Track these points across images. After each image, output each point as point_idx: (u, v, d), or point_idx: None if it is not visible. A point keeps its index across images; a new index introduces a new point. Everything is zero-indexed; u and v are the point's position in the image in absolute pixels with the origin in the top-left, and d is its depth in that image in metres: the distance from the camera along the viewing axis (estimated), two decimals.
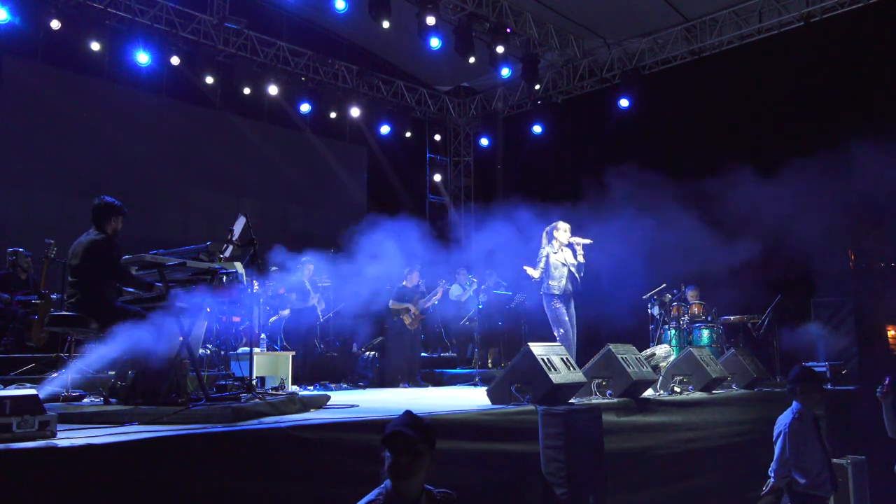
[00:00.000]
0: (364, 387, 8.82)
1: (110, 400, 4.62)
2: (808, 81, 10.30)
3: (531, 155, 14.24)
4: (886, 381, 5.39)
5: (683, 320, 9.69)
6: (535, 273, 7.42)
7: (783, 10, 11.38)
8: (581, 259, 7.44)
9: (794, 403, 5.17)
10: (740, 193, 8.51)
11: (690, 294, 9.96)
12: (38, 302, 7.14)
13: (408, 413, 2.88)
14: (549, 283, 7.39)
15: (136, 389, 4.53)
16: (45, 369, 6.27)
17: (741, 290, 9.41)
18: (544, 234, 7.59)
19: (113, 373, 4.96)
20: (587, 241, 7.46)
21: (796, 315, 9.65)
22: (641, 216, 8.64)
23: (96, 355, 4.83)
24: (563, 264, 7.42)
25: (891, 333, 9.38)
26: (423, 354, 10.14)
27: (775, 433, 5.10)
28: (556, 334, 7.36)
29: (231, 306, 6.48)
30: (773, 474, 5.04)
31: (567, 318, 7.37)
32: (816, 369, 6.52)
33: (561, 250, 7.47)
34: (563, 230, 7.51)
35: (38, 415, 3.06)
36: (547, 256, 7.43)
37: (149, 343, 4.41)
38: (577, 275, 7.45)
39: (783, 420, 5.09)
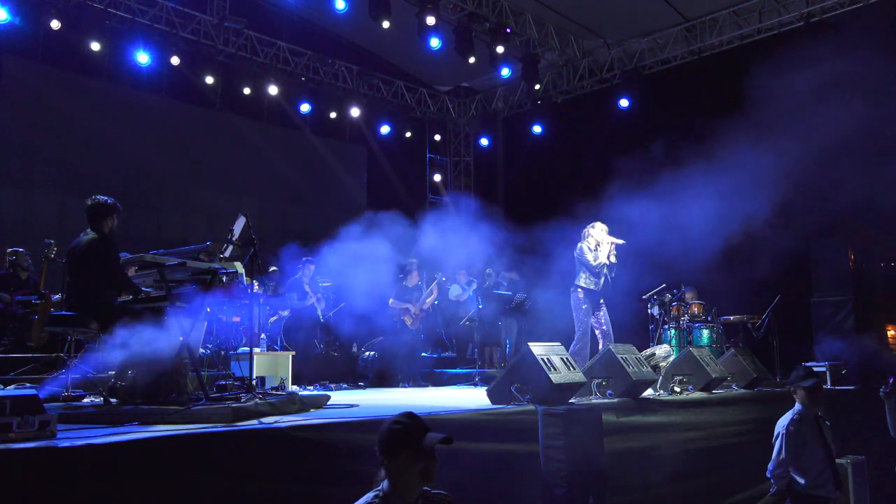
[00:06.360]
0: (364, 387, 8.80)
1: (110, 400, 4.61)
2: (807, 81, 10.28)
3: (531, 155, 14.24)
4: (890, 381, 5.39)
5: (683, 320, 9.67)
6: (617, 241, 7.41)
7: (783, 10, 11.37)
8: (613, 259, 7.43)
9: (797, 404, 5.18)
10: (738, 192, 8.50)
11: (689, 294, 9.95)
12: (38, 302, 7.14)
13: (412, 415, 2.87)
14: (588, 277, 7.38)
15: (136, 389, 4.51)
16: (45, 369, 6.27)
17: (741, 289, 9.38)
18: (581, 236, 7.62)
19: (113, 373, 4.96)
20: (620, 241, 7.44)
21: (796, 315, 9.63)
22: (641, 215, 8.63)
23: (96, 355, 4.83)
24: (601, 264, 7.42)
25: (891, 333, 9.38)
26: (423, 354, 10.14)
27: (775, 434, 5.12)
28: (576, 332, 7.36)
29: (231, 306, 6.48)
30: (769, 474, 5.06)
31: (588, 320, 7.37)
32: (816, 369, 6.53)
33: (597, 249, 7.44)
34: (599, 228, 7.51)
35: (38, 415, 3.06)
36: (591, 251, 7.42)
37: (149, 343, 4.41)
38: (609, 276, 7.46)
39: (783, 421, 5.12)
